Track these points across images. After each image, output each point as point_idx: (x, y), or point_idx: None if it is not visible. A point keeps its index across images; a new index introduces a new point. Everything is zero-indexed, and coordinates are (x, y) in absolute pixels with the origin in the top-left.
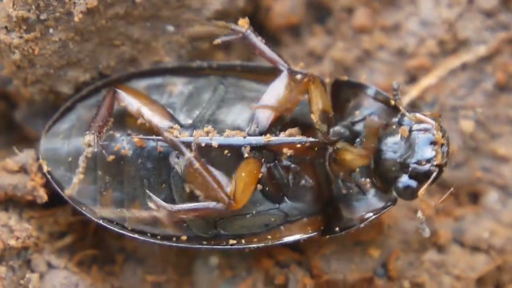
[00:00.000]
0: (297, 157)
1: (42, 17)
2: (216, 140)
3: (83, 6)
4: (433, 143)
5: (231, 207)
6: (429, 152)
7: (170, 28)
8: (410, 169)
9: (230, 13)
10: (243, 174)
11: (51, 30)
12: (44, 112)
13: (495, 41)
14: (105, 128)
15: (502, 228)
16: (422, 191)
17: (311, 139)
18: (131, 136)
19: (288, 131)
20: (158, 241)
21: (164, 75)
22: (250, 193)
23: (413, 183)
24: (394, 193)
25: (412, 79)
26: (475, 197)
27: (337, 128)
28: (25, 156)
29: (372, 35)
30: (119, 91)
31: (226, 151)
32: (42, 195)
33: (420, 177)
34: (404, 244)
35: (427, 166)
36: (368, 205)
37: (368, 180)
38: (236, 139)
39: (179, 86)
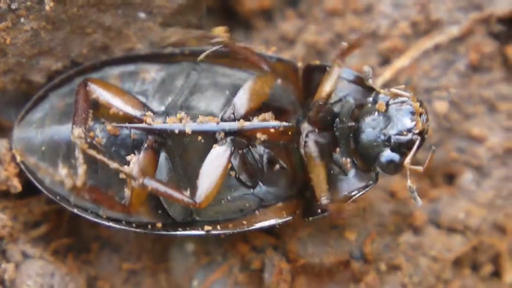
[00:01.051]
0: (271, 142)
1: (13, 6)
2: (189, 126)
3: None
4: (411, 113)
5: (197, 206)
6: (408, 122)
7: (142, 15)
8: (392, 141)
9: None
10: (208, 170)
11: (22, 20)
12: (17, 101)
13: (467, 22)
14: (88, 119)
15: (477, 209)
16: (408, 160)
17: (284, 123)
18: (104, 124)
19: (262, 116)
20: (133, 229)
21: (136, 62)
22: (216, 189)
23: (396, 157)
24: (378, 169)
25: (385, 61)
26: (450, 178)
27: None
28: None
29: (344, 18)
30: (90, 83)
31: (199, 137)
32: (16, 185)
33: (403, 148)
34: (380, 227)
35: (409, 136)
36: (350, 185)
37: (348, 159)
38: (210, 125)
39: (151, 73)
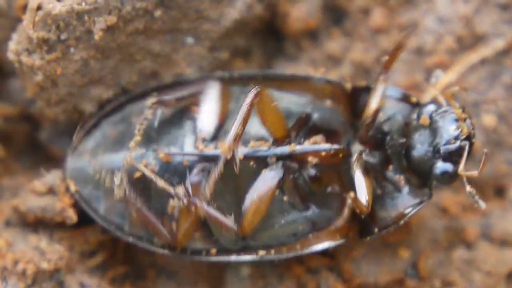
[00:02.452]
0: (322, 165)
1: (63, 37)
2: (241, 151)
3: (102, 23)
4: (455, 120)
5: (241, 233)
6: (454, 130)
7: (190, 40)
8: (442, 152)
9: (248, 21)
10: (254, 196)
11: (72, 50)
12: (69, 131)
13: None
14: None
15: None
16: (462, 167)
17: (335, 146)
18: (157, 152)
19: (313, 139)
20: (188, 256)
21: (186, 87)
22: (260, 216)
23: (449, 166)
24: (434, 182)
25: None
26: (501, 192)
27: (372, 131)
28: (52, 177)
29: (389, 34)
30: None
31: (251, 162)
32: (72, 216)
33: (454, 156)
34: (433, 243)
35: (457, 143)
36: (404, 202)
37: (402, 176)
38: (261, 149)
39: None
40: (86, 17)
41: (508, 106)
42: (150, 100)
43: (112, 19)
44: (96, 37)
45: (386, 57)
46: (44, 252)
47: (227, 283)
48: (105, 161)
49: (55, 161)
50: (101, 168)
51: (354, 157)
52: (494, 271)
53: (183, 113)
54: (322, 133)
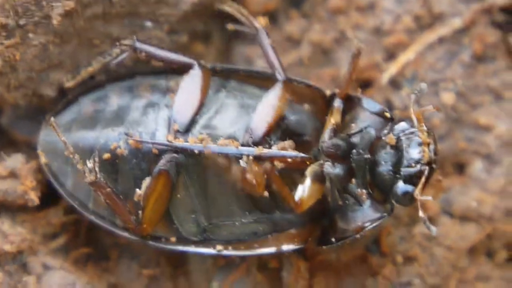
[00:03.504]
0: (288, 170)
1: (21, 22)
2: (209, 148)
3: (60, 9)
4: (419, 144)
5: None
6: (416, 153)
7: (148, 23)
8: (402, 173)
9: (206, 4)
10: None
11: (30, 35)
12: (29, 116)
13: (469, 13)
14: None
15: (489, 197)
16: (417, 191)
17: (301, 154)
18: (127, 138)
19: (281, 144)
20: (147, 242)
21: (167, 74)
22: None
23: (410, 188)
24: (394, 202)
25: (391, 56)
26: (460, 168)
27: (335, 140)
28: (13, 160)
29: (348, 15)
30: None
31: (219, 159)
32: (34, 199)
33: (414, 179)
34: (394, 219)
35: (417, 167)
36: (364, 215)
37: (364, 191)
38: (229, 148)
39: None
40: (44, 3)
41: (466, 84)
42: (124, 41)
43: (70, 4)
44: (55, 22)
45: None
46: (7, 234)
47: (189, 262)
48: (78, 137)
49: (16, 145)
50: (72, 144)
51: (313, 166)
52: (455, 246)
53: (160, 98)
54: (294, 138)
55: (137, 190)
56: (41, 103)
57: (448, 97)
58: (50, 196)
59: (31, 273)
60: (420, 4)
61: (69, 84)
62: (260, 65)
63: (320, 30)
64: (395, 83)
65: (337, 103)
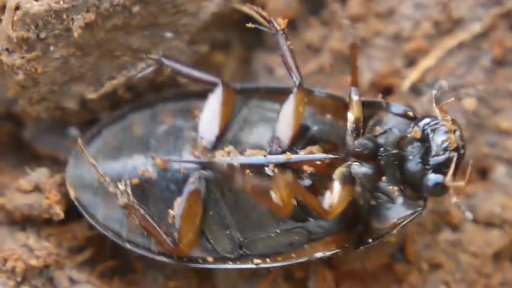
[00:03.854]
0: (319, 175)
1: (42, 35)
2: (236, 159)
3: (81, 21)
4: (444, 132)
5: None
6: (443, 141)
7: (169, 34)
8: (431, 164)
9: (226, 14)
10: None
11: (51, 48)
12: (52, 129)
13: (489, 18)
14: None
15: None
16: (448, 179)
17: (330, 155)
18: (154, 158)
19: (308, 148)
20: (185, 263)
21: (189, 99)
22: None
23: (440, 178)
24: (426, 194)
25: (411, 62)
26: (483, 173)
27: (361, 140)
28: (37, 174)
29: (367, 22)
30: None
31: (247, 171)
32: (59, 212)
33: (444, 168)
34: (418, 227)
35: (446, 154)
36: (398, 212)
37: (396, 188)
38: (257, 158)
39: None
40: (64, 15)
41: (487, 89)
42: (151, 55)
43: (90, 16)
44: (75, 34)
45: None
46: (33, 249)
47: (215, 274)
48: (105, 168)
49: (39, 159)
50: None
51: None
52: (480, 252)
53: (183, 122)
54: (319, 144)
55: (170, 211)
56: (63, 116)
57: (469, 103)
58: (74, 209)
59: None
60: (439, 10)
61: (92, 96)
62: (280, 74)
63: (340, 38)
64: (416, 90)
65: (353, 94)
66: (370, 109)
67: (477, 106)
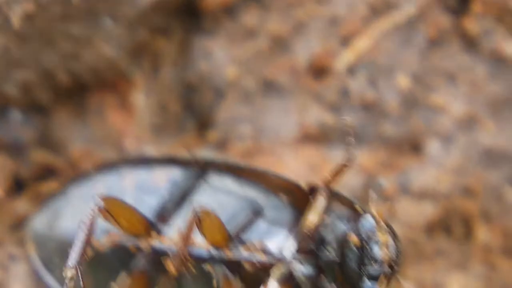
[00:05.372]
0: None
1: None
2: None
3: (20, 11)
4: (378, 246)
5: None
6: (376, 255)
7: (108, 21)
8: (365, 273)
9: (165, 1)
10: None
11: None
12: None
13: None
14: (86, 254)
15: (446, 175)
16: None
17: (269, 259)
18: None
19: (251, 245)
20: None
21: (150, 165)
22: None
23: (374, 285)
24: None
25: (347, 44)
26: (418, 148)
27: (308, 244)
28: None
29: (304, 6)
30: (103, 208)
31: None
32: None
33: (377, 277)
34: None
35: (377, 267)
36: None
37: (334, 286)
38: (201, 251)
39: (163, 180)
40: (4, 7)
41: (422, 68)
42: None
43: (29, 6)
44: (15, 24)
45: (328, 177)
46: None
47: None
48: (67, 232)
49: None
50: (62, 238)
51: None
52: (413, 223)
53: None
54: (264, 235)
55: (112, 284)
56: (5, 101)
57: (404, 81)
58: (14, 186)
59: None
60: None
61: None
62: (219, 56)
63: (278, 21)
64: (351, 70)
65: (321, 197)
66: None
67: (412, 84)
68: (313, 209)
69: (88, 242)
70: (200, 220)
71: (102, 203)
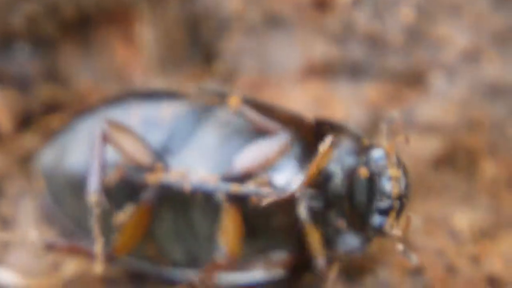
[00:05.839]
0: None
1: None
2: (187, 183)
3: None
4: (388, 179)
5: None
6: (386, 188)
7: None
8: (374, 207)
9: None
10: (229, 228)
11: None
12: None
13: None
14: (103, 177)
15: (451, 108)
16: (388, 227)
17: (276, 193)
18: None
19: (257, 180)
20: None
21: (157, 98)
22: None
23: (383, 221)
24: (370, 232)
25: None
26: (422, 82)
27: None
28: None
29: None
30: (108, 131)
31: (199, 194)
32: (6, 124)
33: (386, 213)
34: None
35: (388, 202)
36: (346, 244)
37: (343, 220)
38: (207, 184)
39: (168, 112)
40: None
41: (426, 0)
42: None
43: None
44: None
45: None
46: None
47: None
48: (75, 165)
49: None
50: (70, 171)
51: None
52: (420, 156)
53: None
54: (272, 169)
55: (119, 213)
56: (11, 35)
57: (408, 13)
58: (23, 122)
59: (6, 197)
60: None
61: None
62: None
63: None
64: (356, 2)
65: (328, 144)
66: (332, 129)
67: (416, 16)
68: (321, 143)
69: (103, 167)
70: None
71: (108, 128)
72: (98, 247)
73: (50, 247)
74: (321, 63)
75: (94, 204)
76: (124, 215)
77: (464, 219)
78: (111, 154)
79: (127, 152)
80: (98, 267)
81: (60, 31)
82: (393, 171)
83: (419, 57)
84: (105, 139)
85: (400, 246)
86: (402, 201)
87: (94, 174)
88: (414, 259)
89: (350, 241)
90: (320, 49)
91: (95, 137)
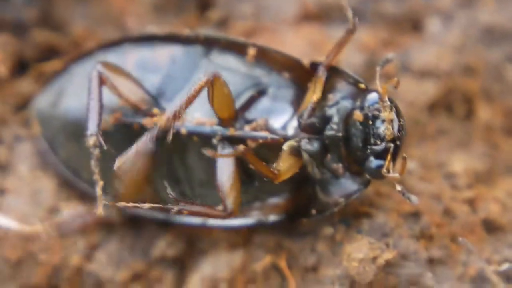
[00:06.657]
0: (263, 146)
1: None
2: (185, 127)
3: None
4: (382, 122)
5: (231, 216)
6: (381, 130)
7: None
8: (369, 150)
9: None
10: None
11: None
12: None
13: None
14: (101, 119)
15: (447, 53)
16: (385, 167)
17: (272, 136)
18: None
19: (253, 124)
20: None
21: (153, 42)
22: (239, 193)
23: (380, 163)
24: (367, 175)
25: None
26: (418, 26)
27: (310, 120)
28: None
29: None
30: (103, 72)
31: (195, 138)
32: (2, 70)
33: (382, 155)
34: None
35: (382, 145)
36: (342, 188)
37: (340, 165)
38: (203, 128)
39: (165, 56)
40: None
41: None
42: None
43: None
44: None
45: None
46: None
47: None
48: (71, 110)
49: None
50: (66, 116)
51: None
52: (416, 101)
53: None
54: (269, 114)
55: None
56: None
57: None
58: (19, 67)
59: (3, 143)
60: None
61: None
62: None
63: None
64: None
65: (322, 74)
66: (328, 72)
67: None
68: (316, 86)
69: (101, 108)
70: (212, 85)
71: (104, 70)
72: (98, 189)
73: None
74: (316, 8)
75: (92, 147)
76: (124, 160)
77: (460, 164)
78: (107, 98)
79: (123, 94)
80: (99, 210)
81: None
82: (386, 114)
83: (414, 2)
84: (102, 81)
85: (399, 187)
86: (396, 143)
87: (92, 116)
88: (414, 200)
89: (347, 185)
90: None
91: (92, 78)
